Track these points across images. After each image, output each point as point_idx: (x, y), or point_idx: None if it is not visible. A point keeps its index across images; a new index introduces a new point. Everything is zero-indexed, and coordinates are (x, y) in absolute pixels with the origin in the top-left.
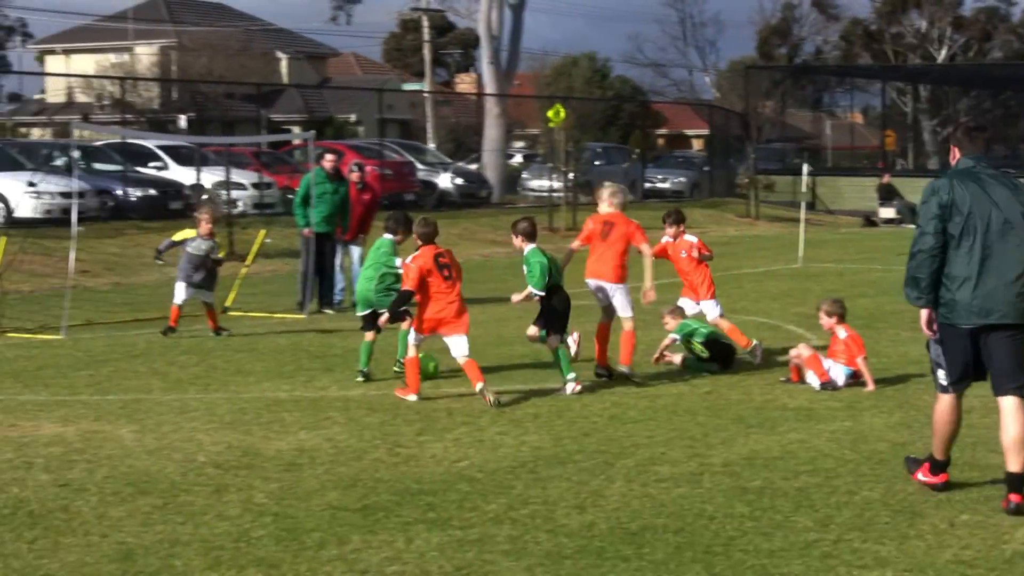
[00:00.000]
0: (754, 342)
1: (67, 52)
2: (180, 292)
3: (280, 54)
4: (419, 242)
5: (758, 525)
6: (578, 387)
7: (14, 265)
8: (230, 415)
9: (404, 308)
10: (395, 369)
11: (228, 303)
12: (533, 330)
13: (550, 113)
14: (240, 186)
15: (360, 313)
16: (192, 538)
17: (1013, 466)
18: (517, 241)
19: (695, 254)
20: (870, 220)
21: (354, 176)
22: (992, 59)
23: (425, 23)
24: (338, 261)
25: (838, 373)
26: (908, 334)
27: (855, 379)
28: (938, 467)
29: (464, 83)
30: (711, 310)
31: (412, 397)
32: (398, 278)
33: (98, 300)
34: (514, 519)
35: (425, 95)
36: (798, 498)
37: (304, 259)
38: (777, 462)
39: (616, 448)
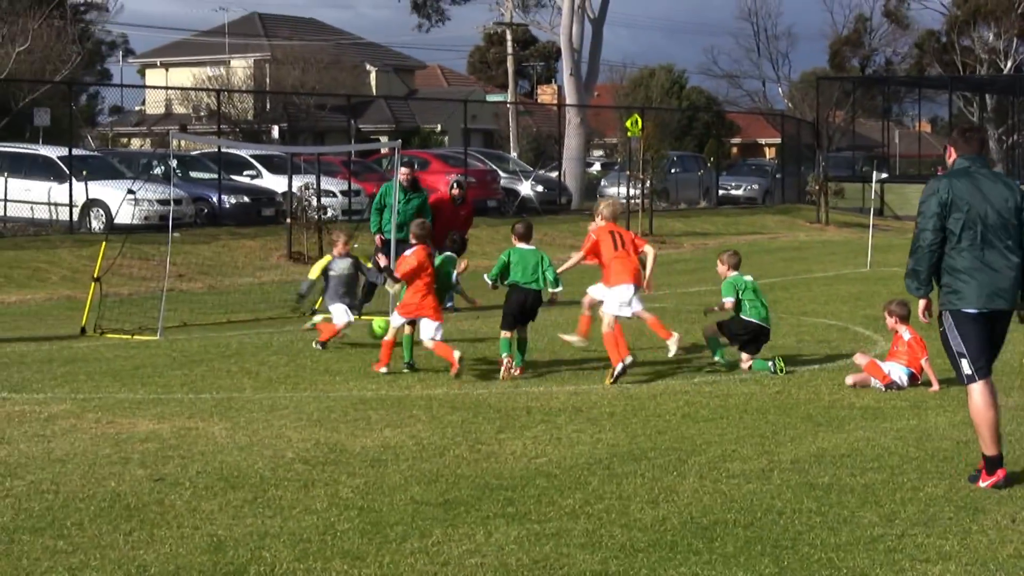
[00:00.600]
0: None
1: (166, 66)
2: (341, 314)
3: (369, 67)
4: (414, 242)
5: (825, 520)
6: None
7: (114, 269)
8: (318, 413)
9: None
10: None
11: (317, 306)
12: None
13: (628, 123)
14: (330, 193)
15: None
16: (280, 531)
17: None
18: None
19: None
20: None
21: (455, 192)
22: None
23: (509, 37)
24: None
25: (900, 374)
26: None
27: (914, 381)
28: (993, 464)
29: (545, 94)
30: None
31: (383, 370)
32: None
33: (193, 303)
34: (589, 513)
35: (508, 106)
36: (864, 494)
37: (374, 263)
38: (844, 459)
39: (688, 445)
